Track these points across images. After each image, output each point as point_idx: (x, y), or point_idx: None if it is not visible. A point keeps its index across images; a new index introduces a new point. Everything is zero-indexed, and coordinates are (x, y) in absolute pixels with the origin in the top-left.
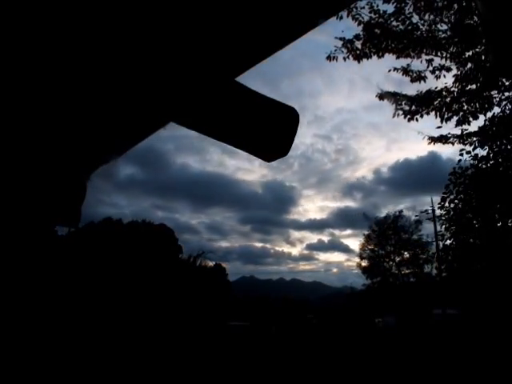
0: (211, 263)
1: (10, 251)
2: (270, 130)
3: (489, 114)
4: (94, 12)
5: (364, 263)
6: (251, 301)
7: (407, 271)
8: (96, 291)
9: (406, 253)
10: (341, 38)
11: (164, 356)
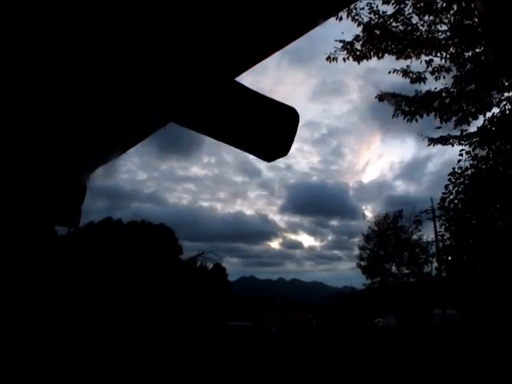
0: (211, 263)
1: (10, 251)
2: (269, 129)
3: (488, 115)
4: (94, 13)
5: (364, 263)
6: (251, 301)
7: (407, 271)
8: (96, 291)
9: (405, 253)
10: (340, 41)
11: (164, 356)
